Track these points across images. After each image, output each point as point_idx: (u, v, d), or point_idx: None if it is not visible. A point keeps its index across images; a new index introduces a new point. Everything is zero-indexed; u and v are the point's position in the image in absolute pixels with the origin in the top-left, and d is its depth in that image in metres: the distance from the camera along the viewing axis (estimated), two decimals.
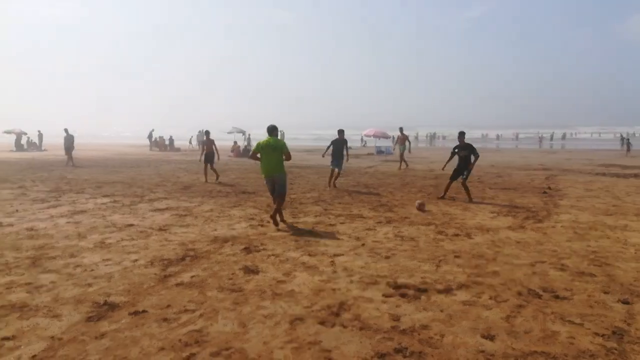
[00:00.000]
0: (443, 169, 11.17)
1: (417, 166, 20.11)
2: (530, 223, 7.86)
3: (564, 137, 65.80)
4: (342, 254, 5.88)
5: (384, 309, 4.16)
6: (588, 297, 4.44)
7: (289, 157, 7.83)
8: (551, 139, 61.43)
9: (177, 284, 4.75)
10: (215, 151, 14.35)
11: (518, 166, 20.07)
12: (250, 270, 5.19)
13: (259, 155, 7.81)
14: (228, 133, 39.64)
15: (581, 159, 24.80)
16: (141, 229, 7.27)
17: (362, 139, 42.25)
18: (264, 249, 6.11)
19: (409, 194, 11.35)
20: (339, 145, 12.53)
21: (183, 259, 5.64)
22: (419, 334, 3.67)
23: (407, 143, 19.64)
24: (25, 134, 36.85)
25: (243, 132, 38.49)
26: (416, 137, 63.87)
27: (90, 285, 4.70)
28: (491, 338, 3.60)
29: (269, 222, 7.84)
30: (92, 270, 5.18)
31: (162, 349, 3.41)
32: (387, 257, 5.76)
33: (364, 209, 9.15)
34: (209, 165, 14.13)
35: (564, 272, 5.20)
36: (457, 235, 6.97)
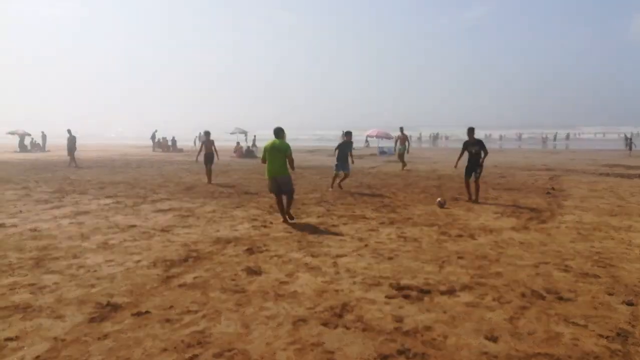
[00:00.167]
0: (455, 166, 11.06)
1: (420, 167, 20.08)
2: (533, 224, 7.83)
3: (567, 137, 65.43)
4: (345, 255, 5.87)
5: (386, 310, 4.15)
6: (592, 298, 4.42)
7: (292, 162, 7.98)
8: (554, 139, 61.15)
9: (180, 285, 4.75)
10: (214, 152, 14.24)
11: (521, 166, 20.01)
12: (253, 271, 5.19)
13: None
14: (231, 134, 39.72)
15: (585, 159, 24.71)
16: (144, 229, 7.28)
17: (366, 140, 42.19)
18: (266, 250, 6.11)
19: (412, 195, 11.32)
20: (347, 148, 12.34)
21: (186, 260, 5.65)
22: (422, 336, 3.66)
23: (406, 143, 19.52)
24: (29, 135, 37.01)
25: (245, 133, 38.55)
26: (419, 138, 63.72)
27: (93, 286, 4.71)
28: (494, 339, 3.59)
29: (271, 223, 7.85)
30: (95, 271, 5.19)
31: (165, 350, 3.41)
32: (390, 258, 5.75)
33: (366, 210, 9.14)
34: (208, 165, 14.05)
35: (568, 273, 5.18)
36: (460, 236, 6.95)
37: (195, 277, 4.99)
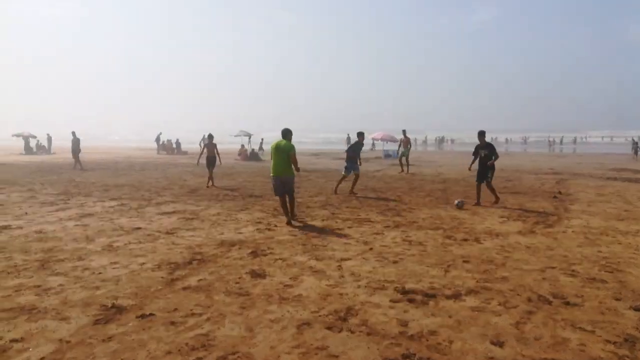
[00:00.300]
0: (469, 169, 11.00)
1: (425, 170, 20.03)
2: (540, 228, 7.79)
3: (575, 141, 64.85)
4: (350, 259, 5.85)
5: (391, 314, 4.13)
6: (599, 303, 4.38)
7: (295, 162, 8.19)
8: (561, 142, 60.73)
9: (184, 288, 4.74)
10: (217, 155, 14.04)
11: (528, 170, 19.91)
12: (257, 275, 5.18)
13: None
14: (235, 136, 39.82)
15: (592, 163, 24.56)
16: (148, 232, 7.29)
17: (372, 143, 42.05)
18: (271, 253, 6.10)
19: (417, 198, 11.29)
20: (358, 149, 12.08)
21: (190, 262, 5.65)
22: (427, 340, 3.63)
23: (409, 146, 19.43)
24: (35, 137, 37.27)
25: (250, 135, 38.62)
26: (424, 141, 63.49)
27: (98, 288, 4.72)
28: (500, 344, 3.56)
29: (276, 226, 7.85)
30: (100, 273, 5.20)
31: (169, 352, 3.41)
32: (395, 262, 5.72)
33: (371, 213, 9.11)
34: (210, 169, 13.88)
35: (575, 278, 5.13)
36: (466, 240, 6.92)
37: (199, 280, 4.98)
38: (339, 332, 3.77)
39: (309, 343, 3.58)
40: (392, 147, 32.79)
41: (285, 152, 8.10)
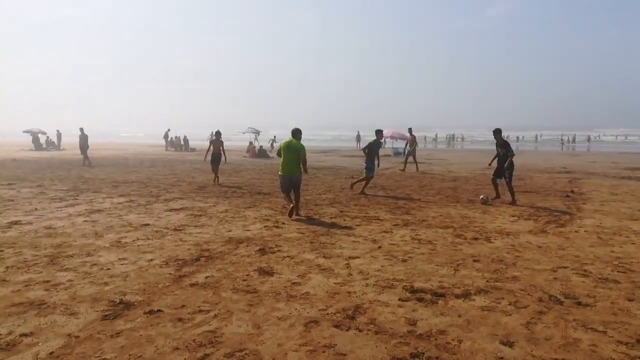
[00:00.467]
0: (490, 165, 10.94)
1: (435, 168, 19.91)
2: (552, 227, 7.69)
3: (588, 139, 63.79)
4: (358, 257, 5.82)
5: (400, 313, 4.09)
6: (611, 304, 4.30)
7: (304, 162, 8.51)
8: (573, 140, 59.82)
9: (192, 285, 4.74)
10: (222, 153, 13.92)
11: (540, 169, 19.71)
12: (265, 272, 5.17)
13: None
14: (243, 133, 39.92)
15: (606, 162, 24.25)
16: (156, 228, 7.31)
17: (384, 141, 41.96)
18: (279, 251, 6.08)
19: (426, 197, 11.22)
20: (377, 147, 11.74)
21: (198, 259, 5.64)
22: (435, 339, 3.59)
23: (415, 144, 19.26)
24: (45, 133, 37.62)
25: (258, 132, 38.69)
26: (435, 139, 63.02)
27: (106, 284, 4.73)
28: (510, 344, 3.51)
29: (284, 223, 7.84)
30: (109, 269, 5.22)
31: (177, 348, 3.40)
32: (403, 261, 5.68)
33: (380, 211, 9.06)
34: (216, 166, 13.81)
35: (587, 278, 5.06)
36: (476, 239, 6.85)
37: (207, 277, 4.98)
38: (347, 330, 3.74)
39: (317, 341, 3.55)
40: (402, 144, 32.66)
41: (296, 151, 8.37)
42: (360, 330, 3.73)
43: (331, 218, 8.38)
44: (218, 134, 14.40)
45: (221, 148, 13.92)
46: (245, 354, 3.34)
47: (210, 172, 13.93)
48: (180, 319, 3.90)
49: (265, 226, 7.62)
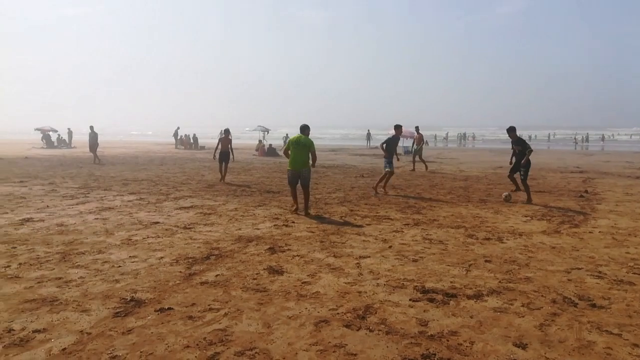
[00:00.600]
0: (510, 163, 10.82)
1: (446, 167, 19.78)
2: (565, 228, 7.58)
3: (602, 138, 62.65)
4: (369, 256, 5.79)
5: (411, 313, 4.06)
6: (627, 306, 4.23)
7: (314, 157, 8.77)
8: (586, 140, 58.81)
9: (202, 283, 4.74)
10: (230, 151, 13.81)
11: (553, 168, 19.46)
12: (275, 271, 5.15)
13: (289, 151, 8.73)
14: (252, 131, 39.99)
15: (621, 162, 23.89)
16: (166, 226, 7.33)
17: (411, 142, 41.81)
18: (288, 250, 6.06)
19: (437, 196, 11.14)
20: (395, 143, 11.45)
21: (208, 257, 5.65)
22: (447, 340, 3.55)
23: (422, 143, 19.05)
24: (56, 131, 38.02)
25: (267, 131, 38.72)
26: (445, 138, 62.49)
27: (117, 281, 4.75)
28: (523, 347, 3.46)
29: (294, 222, 7.82)
30: (119, 266, 5.24)
31: (187, 346, 3.40)
32: (414, 261, 5.63)
33: (391, 211, 9.01)
34: (224, 164, 13.70)
35: (602, 279, 4.98)
36: (488, 239, 6.77)
37: (217, 275, 4.98)
38: (357, 330, 3.72)
39: (327, 341, 3.53)
40: (411, 143, 32.52)
41: (306, 147, 8.59)
42: (371, 331, 3.71)
43: (341, 217, 8.35)
44: (227, 132, 14.22)
45: (229, 146, 13.83)
46: (256, 352, 3.33)
47: (218, 170, 13.91)
48: (190, 317, 3.90)
49: (274, 225, 7.61)
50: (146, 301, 4.22)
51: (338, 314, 4.03)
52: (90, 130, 21.52)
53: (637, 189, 12.77)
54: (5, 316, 3.85)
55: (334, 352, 3.36)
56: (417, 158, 18.56)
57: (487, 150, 37.07)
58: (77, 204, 9.28)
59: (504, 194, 10.38)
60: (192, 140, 37.26)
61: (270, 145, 29.25)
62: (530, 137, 63.69)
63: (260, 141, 32.78)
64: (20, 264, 5.25)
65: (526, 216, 8.59)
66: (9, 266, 5.15)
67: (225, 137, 13.93)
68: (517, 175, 10.33)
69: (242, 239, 6.57)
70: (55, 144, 36.68)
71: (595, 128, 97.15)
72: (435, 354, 3.33)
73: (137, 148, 35.91)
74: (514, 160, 10.46)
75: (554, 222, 8.06)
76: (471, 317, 3.97)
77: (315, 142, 8.99)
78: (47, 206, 8.98)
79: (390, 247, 6.27)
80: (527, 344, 3.49)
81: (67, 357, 3.22)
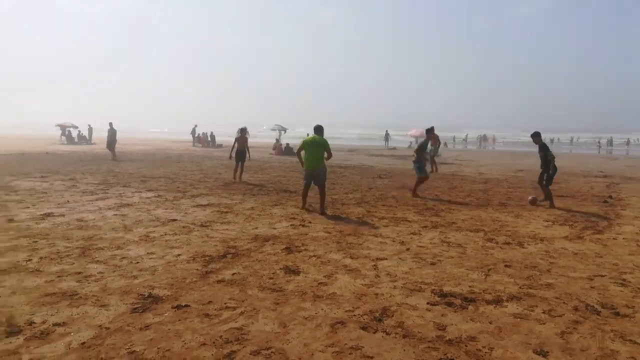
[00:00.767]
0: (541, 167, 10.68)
1: (465, 169, 19.52)
2: (588, 234, 7.40)
3: (627, 142, 60.75)
4: (386, 258, 5.73)
5: (428, 317, 4.00)
6: None
7: (329, 155, 8.91)
8: (610, 144, 57.16)
9: (219, 281, 4.76)
10: (246, 150, 13.72)
11: (576, 172, 19.03)
12: (291, 271, 5.14)
13: (302, 152, 8.95)
14: (271, 130, 40.12)
15: None
16: (184, 224, 7.38)
17: (416, 141, 41.36)
18: (305, 250, 6.04)
19: (456, 198, 11.00)
20: (425, 147, 11.29)
21: (224, 256, 5.66)
22: (465, 346, 3.49)
23: (437, 144, 18.83)
24: (76, 127, 38.68)
25: (285, 130, 38.80)
26: (464, 139, 61.49)
27: (135, 277, 4.79)
28: (544, 354, 3.39)
29: (310, 222, 7.80)
30: (137, 262, 5.29)
31: (204, 344, 3.41)
32: (432, 264, 5.56)
33: (408, 213, 8.93)
34: (240, 163, 13.57)
35: (626, 287, 4.84)
36: (508, 243, 6.65)
37: (233, 274, 4.98)
38: (374, 332, 3.68)
39: (343, 342, 3.50)
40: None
41: (321, 146, 8.79)
42: (387, 333, 3.67)
43: (358, 218, 8.30)
44: (243, 130, 14.16)
45: (246, 145, 13.78)
46: (272, 352, 3.33)
47: (234, 169, 13.86)
48: (207, 315, 3.91)
49: (291, 224, 7.60)
50: (163, 298, 4.25)
51: (354, 315, 4.00)
52: (109, 127, 21.80)
53: None
54: (26, 309, 3.92)
55: (350, 354, 3.34)
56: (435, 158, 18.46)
57: (507, 153, 36.55)
58: (96, 200, 9.41)
59: (530, 197, 10.24)
60: (209, 138, 37.52)
61: (288, 144, 29.26)
62: (552, 140, 62.18)
63: (277, 140, 32.87)
64: (41, 257, 5.34)
65: (548, 221, 8.41)
66: (30, 260, 5.24)
67: (242, 136, 13.86)
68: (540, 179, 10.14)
69: (258, 238, 6.57)
70: (76, 140, 37.33)
71: (620, 131, 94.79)
72: (453, 359, 3.28)
73: (154, 145, 36.33)
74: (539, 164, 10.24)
75: (576, 227, 7.88)
76: (490, 323, 3.90)
77: (331, 142, 9.16)
78: (68, 201, 9.13)
79: (407, 249, 6.20)
80: (548, 352, 3.42)
81: (86, 351, 3.26)
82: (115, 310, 3.96)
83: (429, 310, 4.14)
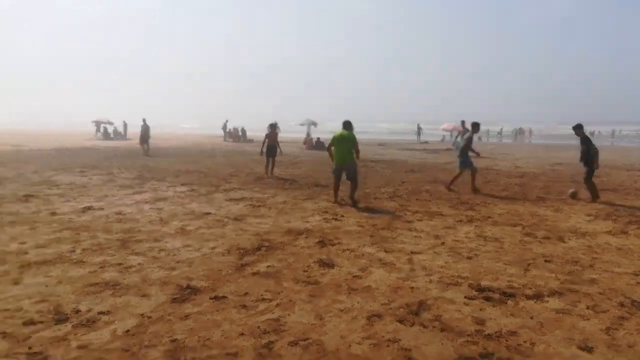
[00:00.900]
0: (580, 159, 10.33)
1: (500, 163, 19.06)
2: (633, 228, 7.09)
3: None
4: (421, 252, 5.67)
5: (466, 311, 3.94)
6: None
7: (357, 151, 9.00)
8: None
9: (254, 273, 4.81)
10: (277, 145, 13.69)
11: (618, 165, 18.28)
12: (325, 264, 5.15)
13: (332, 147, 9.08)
14: (300, 125, 40.15)
15: None
16: (218, 217, 7.49)
17: (451, 134, 40.42)
18: (338, 243, 6.04)
19: (492, 192, 10.75)
20: (470, 142, 10.77)
21: (258, 248, 5.72)
22: (506, 340, 3.43)
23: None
24: (112, 123, 39.77)
25: (315, 124, 38.71)
26: (499, 132, 59.49)
27: (173, 269, 4.90)
28: (589, 350, 3.30)
29: (343, 216, 7.79)
30: (175, 255, 5.41)
31: (242, 334, 3.46)
32: (469, 258, 5.46)
33: (443, 206, 8.79)
34: (271, 158, 13.56)
35: None
36: (547, 238, 6.45)
37: (268, 266, 5.03)
38: (411, 325, 3.66)
39: (380, 335, 3.49)
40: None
41: (350, 141, 8.89)
42: (425, 327, 3.63)
43: (391, 212, 8.23)
44: (273, 126, 14.18)
45: (276, 140, 13.79)
46: (309, 343, 3.35)
47: (265, 165, 13.91)
48: (244, 306, 3.97)
49: (324, 218, 7.61)
50: (201, 289, 4.33)
51: (391, 308, 3.98)
52: (142, 123, 22.28)
53: None
54: (72, 298, 4.07)
55: (387, 346, 3.32)
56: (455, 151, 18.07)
57: (544, 146, 35.48)
58: (133, 194, 9.66)
59: (570, 190, 9.92)
60: (240, 133, 37.88)
61: (318, 138, 29.21)
62: (592, 133, 59.44)
63: (308, 134, 32.90)
64: (83, 249, 5.53)
65: (589, 215, 8.11)
66: (73, 251, 5.44)
67: (272, 132, 13.87)
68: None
69: (291, 232, 6.61)
70: (112, 135, 38.41)
71: None
72: (493, 354, 3.23)
73: (187, 140, 36.99)
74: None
75: (620, 222, 7.56)
76: (531, 318, 3.81)
77: (361, 137, 9.17)
78: (106, 195, 9.41)
79: (442, 243, 6.12)
80: (592, 348, 3.33)
81: (131, 338, 3.36)
82: (155, 300, 4.06)
83: (467, 305, 4.08)
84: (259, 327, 3.58)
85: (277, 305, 4.02)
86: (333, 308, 3.98)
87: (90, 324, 3.57)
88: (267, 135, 13.82)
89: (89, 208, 8.00)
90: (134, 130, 32.12)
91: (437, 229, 6.92)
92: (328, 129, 37.93)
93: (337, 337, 3.45)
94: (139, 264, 5.03)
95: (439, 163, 18.53)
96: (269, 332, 3.50)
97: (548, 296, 4.28)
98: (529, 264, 5.22)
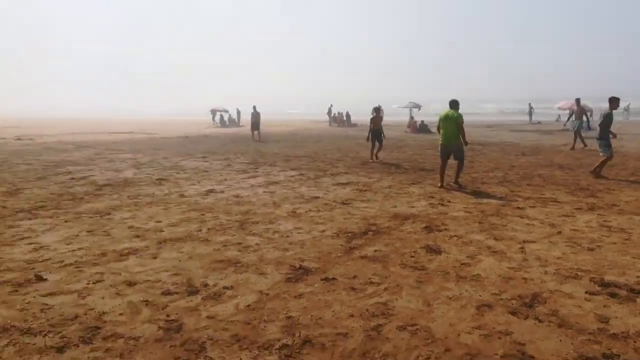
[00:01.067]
0: None
1: (629, 144, 17.07)
2: None
3: None
4: (534, 241, 5.39)
5: (587, 307, 3.71)
6: None
7: (463, 131, 8.77)
8: None
9: (362, 257, 4.97)
10: (381, 130, 13.57)
11: None
12: (432, 250, 5.14)
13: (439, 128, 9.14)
14: (404, 107, 39.45)
15: None
16: (326, 201, 7.78)
17: (570, 114, 37.04)
18: (445, 229, 5.97)
19: (617, 177, 9.74)
20: (608, 119, 9.77)
21: (366, 232, 5.86)
22: (634, 342, 3.18)
23: (584, 118, 16.57)
24: (227, 111, 42.58)
25: (419, 107, 37.79)
26: (626, 109, 52.54)
27: (287, 250, 5.24)
28: None
29: (449, 202, 7.64)
30: (287, 236, 5.76)
31: (352, 315, 3.63)
32: (590, 249, 5.08)
33: (558, 193, 8.19)
34: (376, 142, 13.48)
35: None
36: None
37: (375, 250, 5.16)
38: (525, 319, 3.54)
39: (491, 326, 3.44)
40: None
41: (454, 121, 8.73)
42: (540, 321, 3.50)
43: (501, 198, 7.87)
44: (377, 110, 14.18)
45: (380, 124, 13.70)
46: (417, 329, 3.41)
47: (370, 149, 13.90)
48: (353, 288, 4.14)
49: (430, 203, 7.53)
50: (313, 270, 4.60)
51: (502, 299, 3.88)
52: (253, 110, 23.56)
53: None
54: (201, 272, 4.57)
55: (499, 338, 3.27)
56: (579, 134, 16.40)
57: None
58: (248, 178, 10.38)
59: None
60: (345, 118, 38.32)
61: (422, 121, 28.52)
62: None
63: (412, 117, 32.26)
64: (208, 229, 6.13)
65: None
66: (200, 230, 6.06)
67: (377, 116, 13.84)
68: None
69: (398, 217, 6.66)
70: (227, 123, 41.20)
71: None
72: (619, 355, 3.02)
73: (294, 126, 38.33)
74: None
75: None
76: None
77: (467, 118, 8.94)
78: (225, 179, 10.23)
79: (559, 232, 5.74)
80: None
81: (251, 312, 3.71)
82: (272, 278, 4.41)
83: (588, 300, 3.83)
84: (367, 309, 3.73)
85: (385, 289, 4.13)
86: (441, 295, 3.99)
87: (216, 297, 4.00)
88: (372, 119, 13.83)
89: (211, 191, 8.77)
90: (246, 117, 34.02)
91: (552, 217, 6.49)
92: (433, 111, 36.73)
93: (445, 325, 3.47)
94: (256, 244, 5.46)
95: (555, 145, 17.08)
96: (377, 315, 3.63)
97: None
98: None
